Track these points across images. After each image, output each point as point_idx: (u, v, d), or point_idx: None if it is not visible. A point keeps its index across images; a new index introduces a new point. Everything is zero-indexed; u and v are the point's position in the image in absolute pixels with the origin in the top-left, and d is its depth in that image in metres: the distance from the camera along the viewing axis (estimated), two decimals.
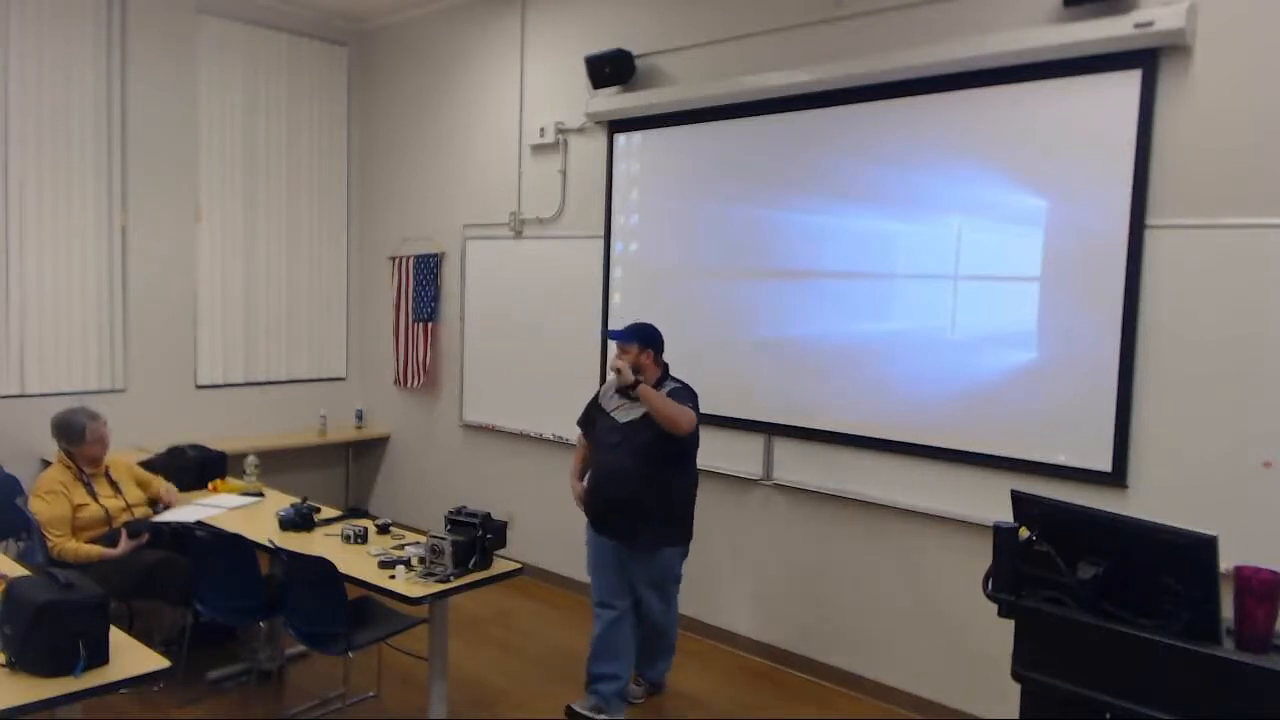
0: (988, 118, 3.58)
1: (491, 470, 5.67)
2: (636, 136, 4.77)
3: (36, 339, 5.08)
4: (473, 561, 3.30)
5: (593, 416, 3.75)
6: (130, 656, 2.48)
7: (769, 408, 4.25)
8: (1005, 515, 2.45)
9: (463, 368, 5.81)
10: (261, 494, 4.37)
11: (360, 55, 6.43)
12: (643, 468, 3.50)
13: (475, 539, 3.33)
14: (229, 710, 3.72)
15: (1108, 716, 2.16)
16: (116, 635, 2.50)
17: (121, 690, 2.40)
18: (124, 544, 3.68)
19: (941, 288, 3.72)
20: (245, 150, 5.89)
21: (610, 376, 3.75)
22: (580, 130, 5.09)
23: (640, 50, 4.71)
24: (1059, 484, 3.37)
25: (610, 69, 4.69)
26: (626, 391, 3.60)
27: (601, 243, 4.94)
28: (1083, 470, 3.37)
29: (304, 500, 4.03)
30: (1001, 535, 2.36)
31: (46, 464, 4.31)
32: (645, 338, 3.59)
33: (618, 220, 4.88)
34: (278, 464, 5.46)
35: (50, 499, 3.69)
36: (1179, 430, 3.18)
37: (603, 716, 3.56)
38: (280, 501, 4.20)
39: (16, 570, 2.96)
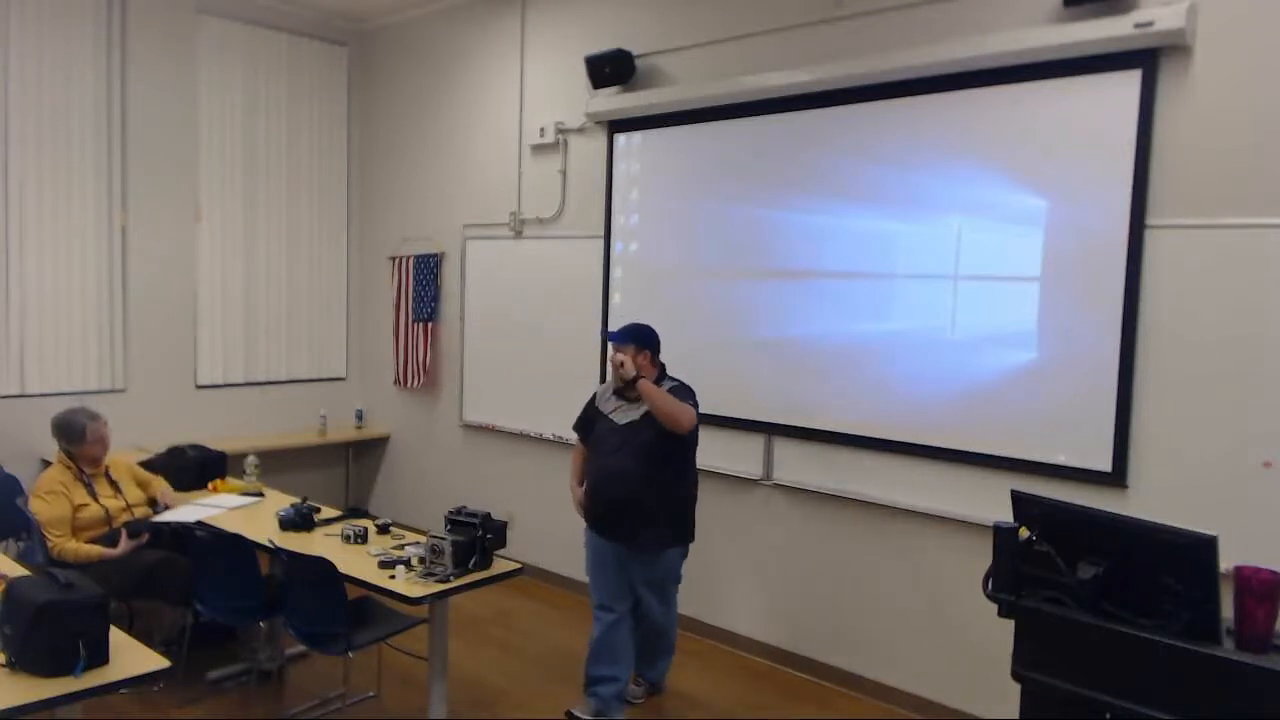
0: (988, 118, 3.58)
1: (491, 470, 5.67)
2: (636, 136, 4.77)
3: (36, 339, 5.08)
4: (473, 561, 3.30)
5: (590, 420, 3.73)
6: (130, 656, 2.48)
7: (769, 408, 4.25)
8: (1005, 515, 2.45)
9: (463, 368, 5.81)
10: (261, 494, 4.37)
11: (360, 55, 6.44)
12: (643, 468, 3.49)
13: (475, 539, 3.33)
14: (229, 710, 3.72)
15: (1108, 716, 2.16)
16: (116, 635, 2.50)
17: (121, 690, 2.40)
18: (124, 544, 3.68)
19: (941, 288, 3.72)
20: (245, 150, 5.89)
21: (607, 380, 3.75)
22: (580, 130, 5.09)
23: (640, 50, 4.71)
24: (1059, 484, 3.37)
25: (610, 69, 4.69)
26: (624, 393, 3.59)
27: (601, 243, 4.94)
28: (1083, 470, 3.37)
29: (304, 500, 4.03)
30: (1001, 535, 2.36)
31: (46, 464, 4.31)
32: (641, 338, 3.58)
33: (618, 220, 4.88)
34: (278, 464, 5.46)
35: (50, 499, 3.69)
36: (1179, 430, 3.18)
37: (603, 719, 3.56)
38: (280, 501, 4.20)
39: (16, 570, 2.96)
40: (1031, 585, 2.33)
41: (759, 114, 4.24)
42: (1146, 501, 3.17)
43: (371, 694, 3.86)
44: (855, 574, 4.06)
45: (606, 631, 3.59)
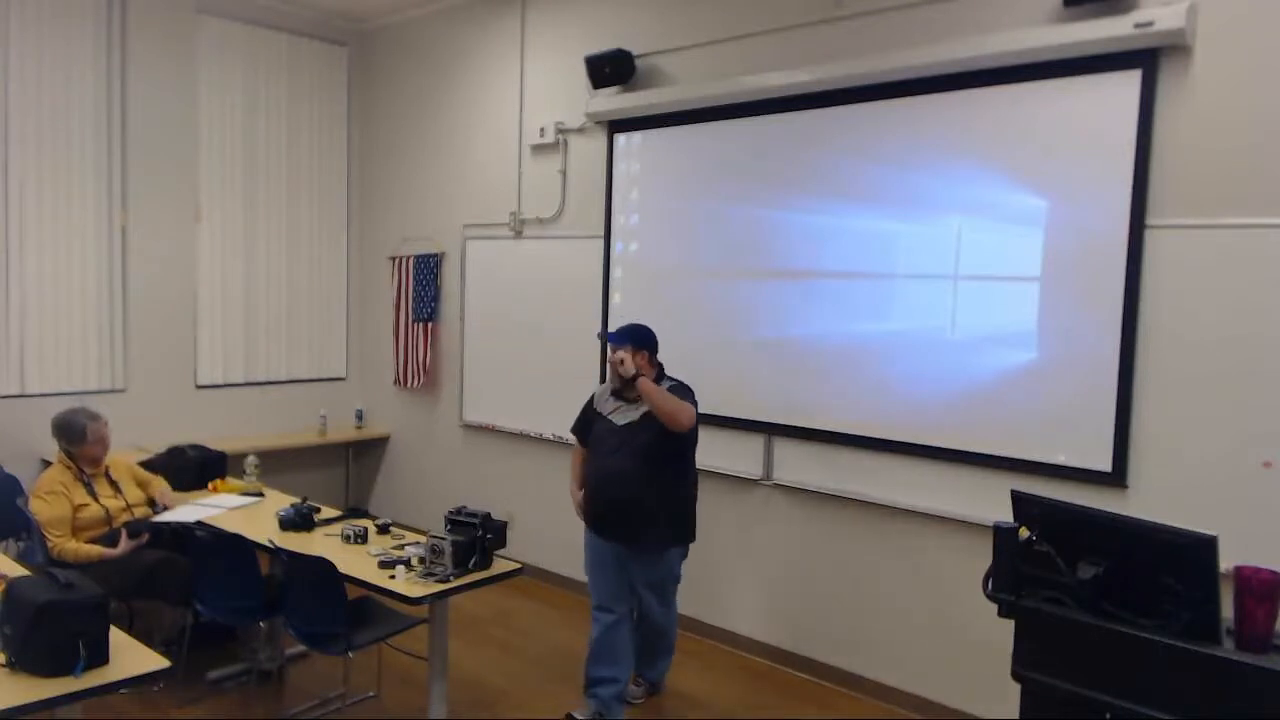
0: (988, 118, 3.58)
1: (491, 470, 5.67)
2: (636, 136, 4.77)
3: (36, 339, 5.08)
4: (473, 561, 3.30)
5: (589, 421, 3.72)
6: (130, 656, 2.48)
7: (769, 408, 4.25)
8: (1005, 515, 2.45)
9: (463, 368, 5.81)
10: (261, 494, 4.37)
11: (360, 55, 6.44)
12: (643, 468, 3.49)
13: (475, 539, 3.33)
14: (229, 710, 3.72)
15: (1108, 716, 2.16)
16: (116, 635, 2.50)
17: (121, 690, 2.40)
18: (124, 544, 3.68)
19: (941, 288, 3.72)
20: (245, 150, 5.89)
21: (606, 383, 3.74)
22: (580, 130, 5.09)
23: (640, 50, 4.71)
24: (1059, 484, 3.37)
25: (610, 69, 4.69)
26: (623, 393, 3.59)
27: (601, 243, 4.94)
28: (1083, 470, 3.37)
29: (304, 500, 4.03)
30: (1001, 535, 2.36)
31: (46, 464, 4.32)
32: (639, 339, 3.57)
33: (618, 220, 4.88)
34: (278, 464, 5.46)
35: (50, 499, 3.69)
36: (1179, 430, 3.18)
37: None
38: (280, 501, 4.20)
39: (16, 570, 2.97)
40: (1031, 585, 2.33)
41: (759, 114, 4.24)
42: (1146, 501, 3.17)
43: (371, 694, 3.86)
44: (855, 574, 4.06)
45: (606, 632, 3.59)
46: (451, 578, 3.24)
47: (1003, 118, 3.54)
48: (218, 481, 4.50)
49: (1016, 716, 2.40)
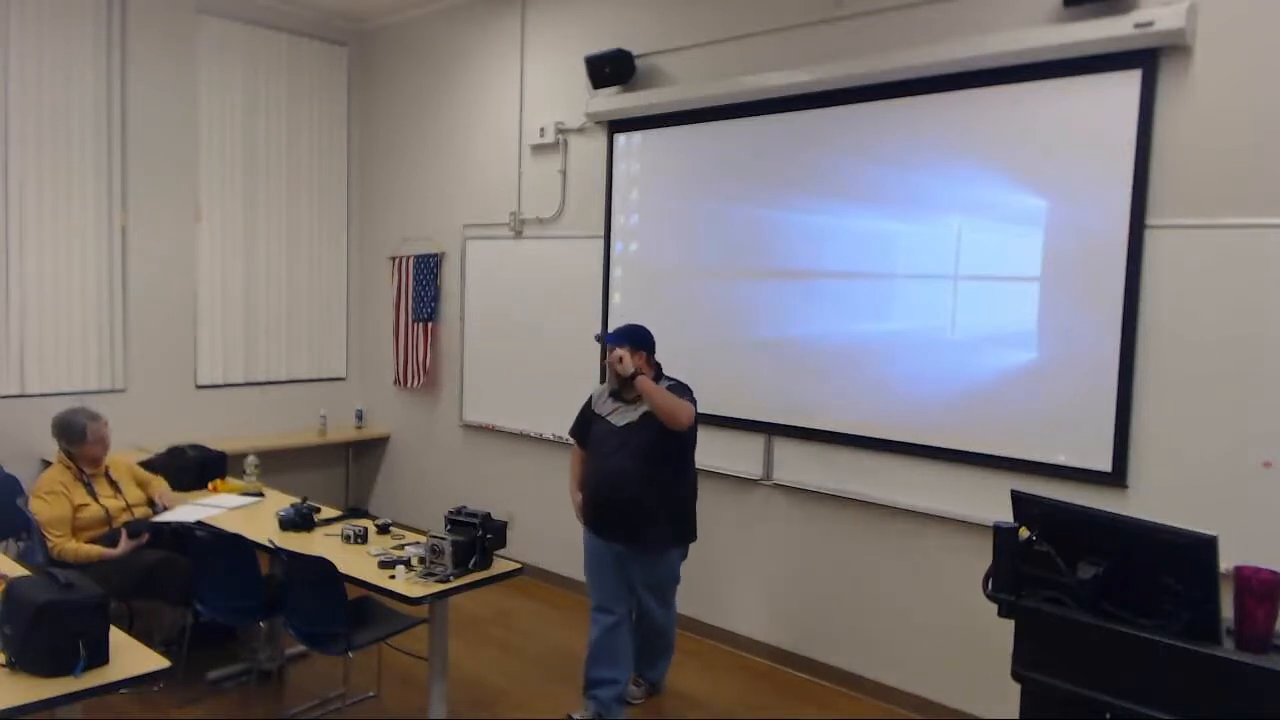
0: (988, 118, 3.58)
1: (491, 470, 5.67)
2: (636, 136, 4.77)
3: (36, 339, 5.08)
4: (473, 561, 3.30)
5: (587, 423, 3.71)
6: (130, 656, 2.48)
7: (769, 408, 4.25)
8: (1005, 515, 2.45)
9: (463, 368, 5.81)
10: (261, 494, 4.37)
11: (360, 55, 6.44)
12: (643, 468, 3.48)
13: (475, 539, 3.33)
14: (229, 710, 3.72)
15: (1108, 716, 2.16)
16: (116, 635, 2.50)
17: (121, 690, 2.40)
18: (124, 544, 3.68)
19: (941, 288, 3.72)
20: (245, 150, 5.89)
21: (603, 384, 3.73)
22: (580, 130, 5.09)
23: (640, 50, 4.71)
24: (1059, 484, 3.37)
25: (610, 69, 4.69)
26: (621, 394, 3.58)
27: (601, 243, 4.94)
28: (1083, 470, 3.37)
29: (304, 500, 4.03)
30: (1001, 535, 2.36)
31: (46, 464, 4.32)
32: (636, 340, 3.56)
33: (618, 220, 4.88)
34: (278, 464, 5.46)
35: (50, 499, 3.69)
36: (1179, 430, 3.18)
37: None
38: (280, 501, 4.20)
39: (16, 570, 2.96)
40: (1031, 585, 2.33)
41: (759, 114, 4.24)
42: (1146, 501, 3.17)
43: (371, 694, 3.86)
44: (855, 574, 4.06)
45: (605, 634, 3.58)
46: (451, 578, 3.24)
47: (1003, 118, 3.54)
48: (218, 481, 4.50)
49: (1016, 716, 2.40)
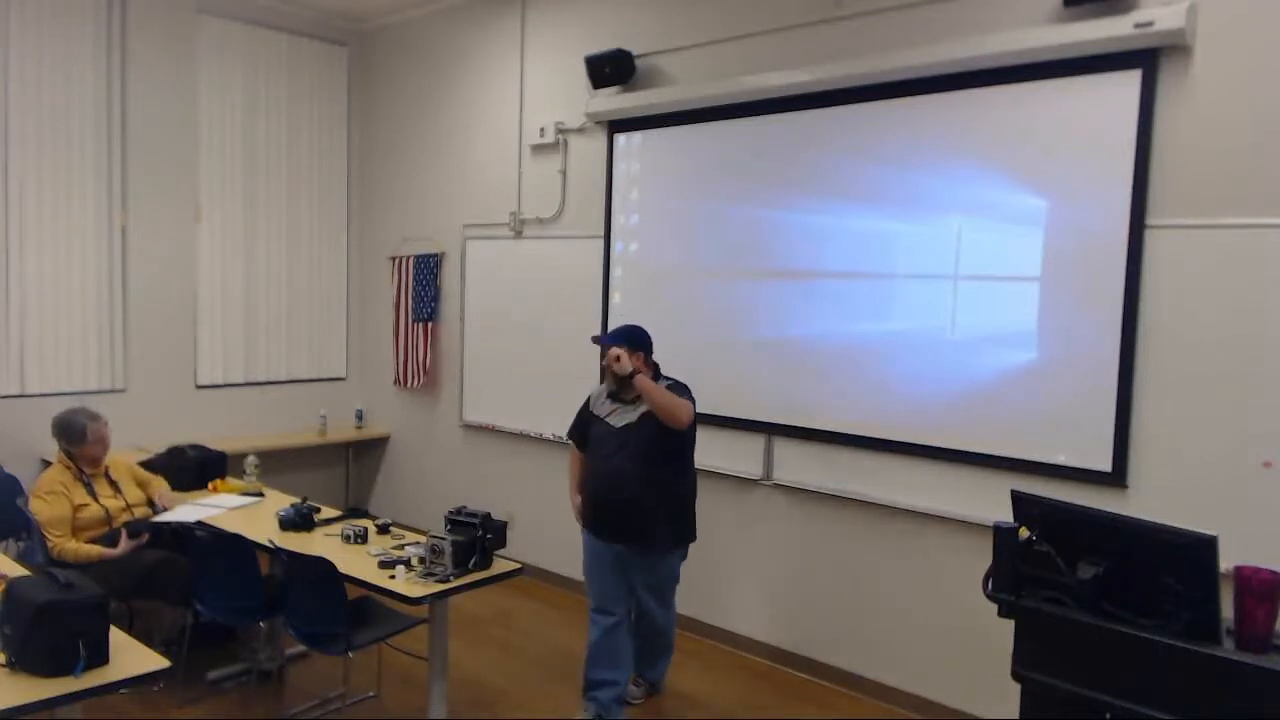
0: (988, 118, 3.58)
1: (491, 470, 5.67)
2: (636, 136, 4.77)
3: (36, 339, 5.08)
4: (473, 561, 3.30)
5: (586, 425, 3.69)
6: (130, 656, 2.48)
7: (769, 408, 4.25)
8: (1005, 515, 2.45)
9: (463, 368, 5.81)
10: (261, 494, 4.37)
11: (360, 55, 6.44)
12: (643, 469, 3.48)
13: (475, 539, 3.33)
14: (229, 710, 3.72)
15: (1108, 716, 2.16)
16: (116, 635, 2.50)
17: (121, 690, 2.40)
18: (124, 544, 3.68)
19: (941, 288, 3.72)
20: (245, 150, 5.89)
21: (601, 385, 3.72)
22: (580, 130, 5.09)
23: (640, 50, 4.71)
24: (1059, 484, 3.37)
25: (610, 69, 4.69)
26: (619, 395, 3.58)
27: (601, 243, 4.94)
28: (1083, 470, 3.37)
29: (304, 500, 4.03)
30: (1001, 535, 2.36)
31: (46, 464, 4.32)
32: (633, 340, 3.54)
33: (618, 220, 4.88)
34: (278, 464, 5.46)
35: (50, 499, 3.69)
36: (1179, 430, 3.18)
37: None
38: (280, 501, 4.20)
39: (16, 570, 2.97)
40: (1031, 585, 2.33)
41: (759, 114, 4.24)
42: (1146, 501, 3.17)
43: (371, 694, 3.86)
44: (855, 574, 4.06)
45: (605, 635, 3.57)
46: (451, 578, 3.24)
47: (1003, 118, 3.54)
48: (218, 481, 4.50)
49: (1016, 716, 2.40)
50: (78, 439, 3.81)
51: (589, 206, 5.05)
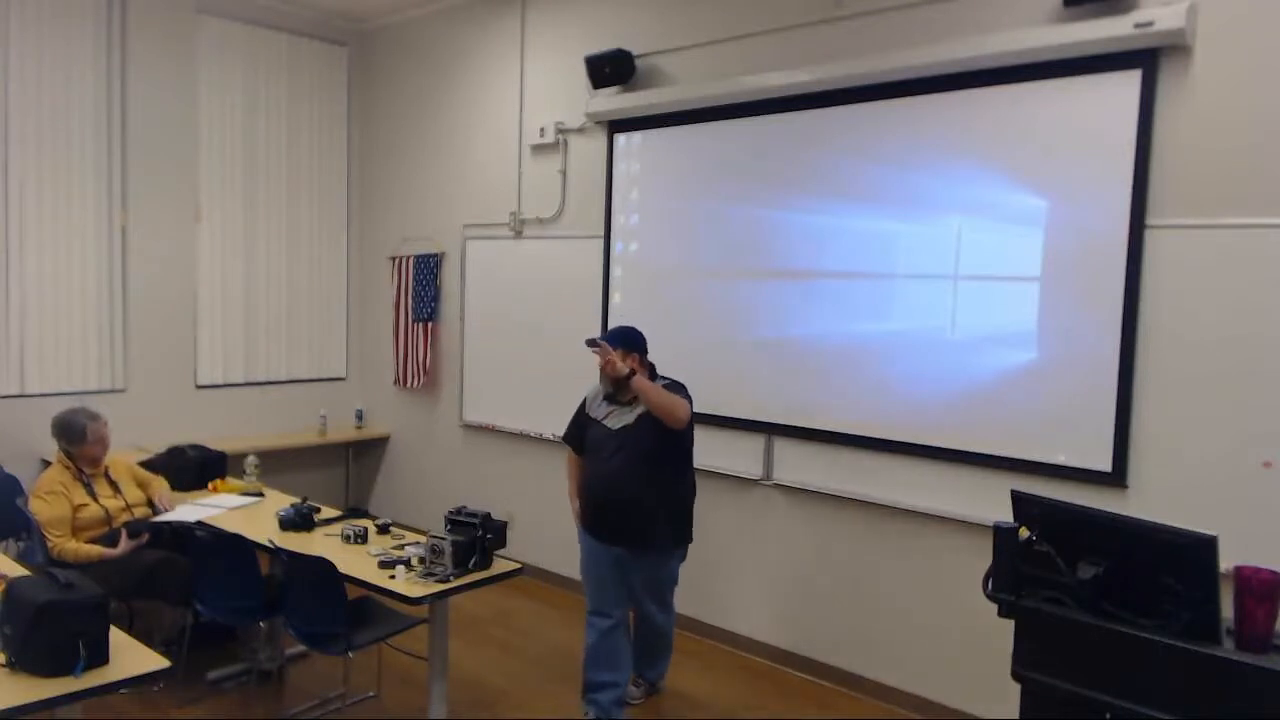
0: (988, 118, 3.58)
1: (491, 470, 5.67)
2: (636, 136, 4.77)
3: (36, 339, 5.08)
4: (473, 561, 3.30)
5: (582, 427, 3.67)
6: (130, 656, 2.48)
7: (769, 408, 4.25)
8: (1005, 515, 2.45)
9: (463, 368, 5.81)
10: (261, 494, 4.37)
11: (360, 55, 6.44)
12: (642, 470, 3.47)
13: (475, 539, 3.33)
14: (229, 710, 3.72)
15: (1108, 716, 2.16)
16: (116, 635, 2.50)
17: (121, 690, 2.40)
18: (124, 544, 3.68)
19: (941, 288, 3.72)
20: (245, 150, 5.90)
21: (597, 387, 3.66)
22: (580, 130, 5.09)
23: (640, 50, 4.71)
24: (1059, 484, 3.37)
25: (610, 69, 4.69)
26: (616, 397, 3.56)
27: (601, 243, 4.94)
28: (1083, 470, 3.37)
29: (304, 500, 4.03)
30: (1001, 535, 2.36)
31: (46, 464, 4.31)
32: (628, 341, 3.53)
33: (618, 220, 4.88)
34: (278, 464, 5.46)
35: (50, 499, 3.69)
36: (1179, 430, 3.18)
37: None
38: (280, 501, 4.20)
39: (16, 570, 2.96)
40: (1031, 585, 2.33)
41: (759, 114, 4.24)
42: (1146, 501, 3.17)
43: (371, 694, 3.86)
44: (855, 574, 4.06)
45: (602, 638, 3.55)
46: (451, 578, 3.24)
47: (1003, 118, 3.54)
48: (218, 481, 4.50)
49: (1016, 716, 2.40)
50: (77, 439, 3.81)
51: (589, 206, 5.05)
